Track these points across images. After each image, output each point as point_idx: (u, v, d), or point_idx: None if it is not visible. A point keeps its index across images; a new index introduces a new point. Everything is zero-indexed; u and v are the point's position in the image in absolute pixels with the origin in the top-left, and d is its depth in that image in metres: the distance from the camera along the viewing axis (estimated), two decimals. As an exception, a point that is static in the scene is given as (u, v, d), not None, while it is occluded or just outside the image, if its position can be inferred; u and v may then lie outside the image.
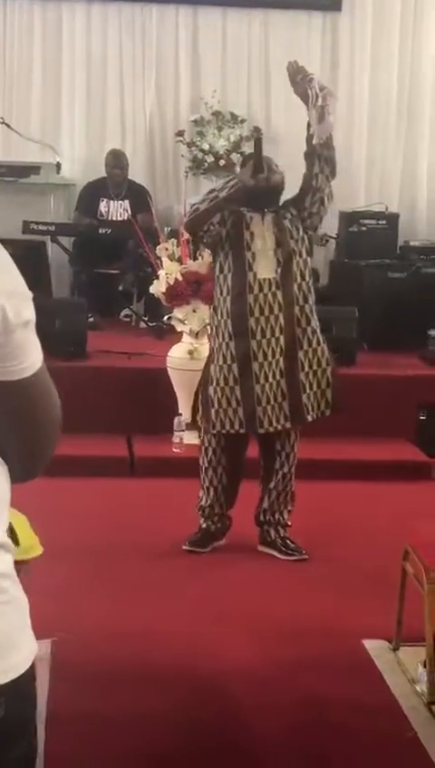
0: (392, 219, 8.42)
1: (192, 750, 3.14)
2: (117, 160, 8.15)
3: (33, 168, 8.21)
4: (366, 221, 8.30)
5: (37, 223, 7.65)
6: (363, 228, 8.28)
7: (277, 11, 8.68)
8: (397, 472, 5.95)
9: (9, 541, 1.53)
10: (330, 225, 8.44)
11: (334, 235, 8.42)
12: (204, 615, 4.04)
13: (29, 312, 1.45)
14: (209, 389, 4.59)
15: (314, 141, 4.53)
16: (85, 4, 8.60)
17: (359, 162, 8.87)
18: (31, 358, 1.46)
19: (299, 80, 4.56)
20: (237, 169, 4.92)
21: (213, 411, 4.57)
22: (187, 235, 5.36)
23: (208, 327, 5.08)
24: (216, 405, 4.56)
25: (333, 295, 7.94)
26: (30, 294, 1.47)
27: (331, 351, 4.67)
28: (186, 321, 5.96)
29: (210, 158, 8.41)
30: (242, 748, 3.16)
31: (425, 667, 3.39)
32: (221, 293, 4.57)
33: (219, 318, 4.57)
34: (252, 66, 8.73)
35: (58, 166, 8.33)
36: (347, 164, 8.77)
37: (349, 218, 8.33)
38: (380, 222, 8.33)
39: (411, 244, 8.44)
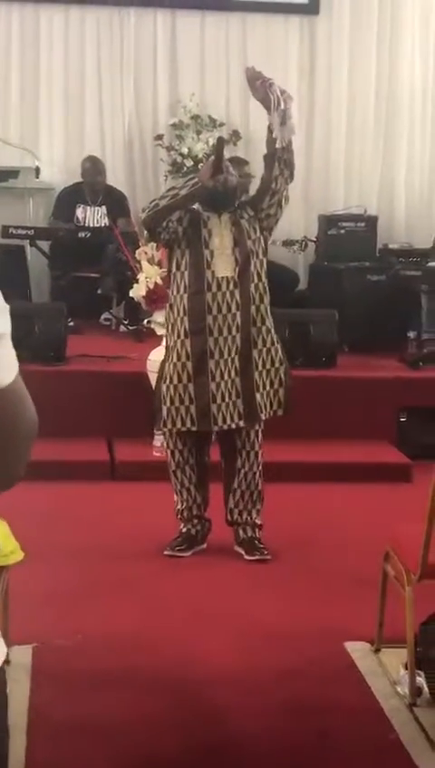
0: (371, 222, 8.45)
1: (177, 755, 3.14)
2: (94, 167, 8.13)
3: (11, 173, 8.19)
4: (345, 224, 8.32)
5: (16, 227, 7.63)
6: (342, 231, 8.30)
7: (255, 14, 8.69)
8: (378, 474, 5.96)
9: None
10: (309, 229, 8.49)
11: (314, 239, 8.43)
12: (186, 619, 4.03)
13: (4, 324, 1.44)
14: (162, 387, 4.61)
15: (277, 145, 4.55)
16: (63, 8, 8.58)
17: (337, 165, 8.89)
18: (2, 372, 1.44)
19: (258, 85, 4.58)
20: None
21: (165, 409, 4.59)
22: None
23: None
24: (168, 402, 4.57)
25: (312, 298, 7.99)
26: (7, 307, 1.46)
27: (284, 351, 4.67)
28: (165, 325, 5.94)
29: (189, 162, 8.41)
30: (226, 752, 3.16)
31: (406, 668, 3.39)
32: (178, 291, 4.58)
33: (175, 315, 4.59)
34: (230, 70, 8.72)
35: (37, 170, 8.30)
36: (325, 167, 8.85)
37: (328, 221, 8.36)
38: (359, 225, 8.36)
39: (390, 246, 8.47)
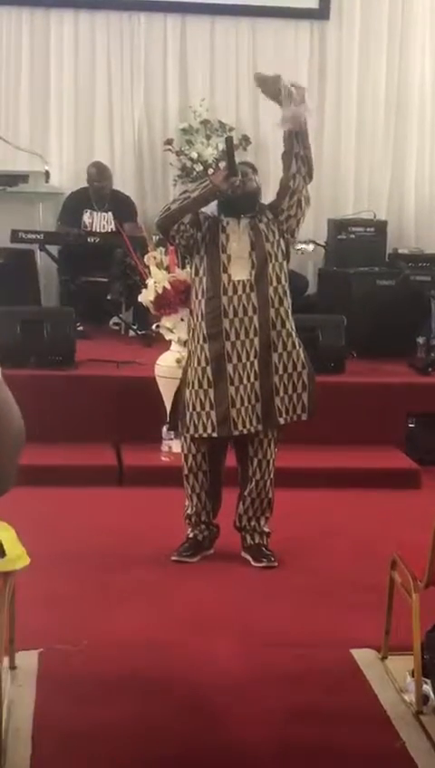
0: (381, 227, 8.45)
1: (182, 761, 3.13)
2: (100, 173, 8.12)
3: (21, 177, 8.21)
4: (355, 229, 8.33)
5: (26, 231, 7.64)
6: (352, 236, 8.31)
7: (265, 19, 8.68)
8: (386, 480, 5.94)
9: None
10: (319, 233, 8.48)
11: (323, 243, 8.43)
12: (192, 625, 4.02)
13: None
14: (186, 393, 4.60)
15: (283, 126, 4.51)
16: (73, 13, 8.59)
17: (347, 170, 8.89)
18: None
19: (270, 83, 4.57)
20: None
21: (187, 414, 4.58)
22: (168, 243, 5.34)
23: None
24: (190, 408, 4.57)
25: (321, 303, 7.98)
26: None
27: (307, 355, 4.65)
28: (174, 330, 5.95)
29: (199, 167, 8.41)
30: (231, 759, 3.15)
31: (413, 676, 3.38)
32: (197, 296, 4.58)
33: (195, 320, 4.59)
34: (240, 74, 8.73)
35: (47, 174, 8.32)
36: (335, 172, 8.85)
37: (337, 226, 8.36)
38: (368, 230, 8.35)
39: (400, 251, 8.45)
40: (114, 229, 7.81)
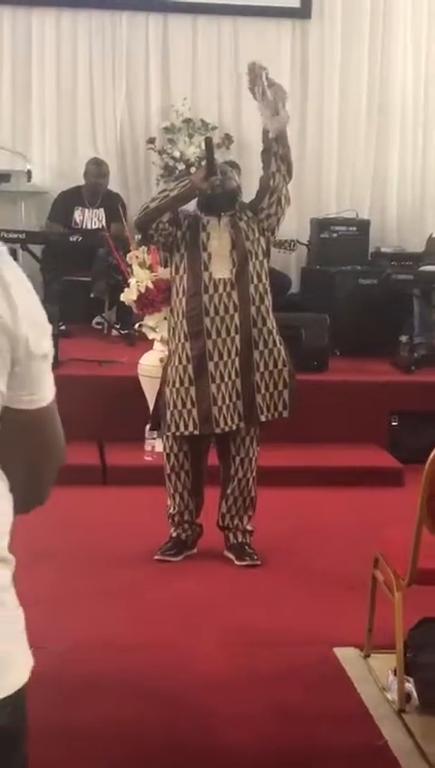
0: (363, 226, 8.47)
1: (165, 762, 3.12)
2: (99, 169, 8.13)
3: (3, 176, 8.18)
4: (337, 228, 8.35)
5: (8, 231, 7.61)
6: (335, 235, 8.33)
7: (247, 18, 8.69)
8: (369, 478, 5.96)
9: (10, 555, 1.55)
10: (302, 233, 8.49)
11: (306, 242, 8.44)
12: (175, 624, 4.02)
13: (48, 346, 1.49)
14: (166, 391, 4.60)
15: (269, 135, 4.53)
16: (55, 12, 8.58)
17: (330, 169, 8.90)
18: (42, 391, 1.50)
19: (256, 79, 4.56)
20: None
21: (168, 413, 4.58)
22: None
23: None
24: (171, 406, 4.57)
25: (304, 302, 7.99)
26: (50, 328, 1.51)
27: (288, 353, 4.65)
28: (157, 329, 5.94)
29: (182, 166, 8.41)
30: (215, 758, 3.15)
31: (395, 674, 3.39)
32: (177, 294, 4.58)
33: (176, 319, 4.59)
34: (222, 73, 8.73)
35: (29, 173, 8.29)
36: (318, 171, 8.86)
37: (320, 225, 8.37)
38: (351, 228, 8.37)
39: (383, 250, 8.49)
40: (104, 225, 7.82)
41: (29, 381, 1.47)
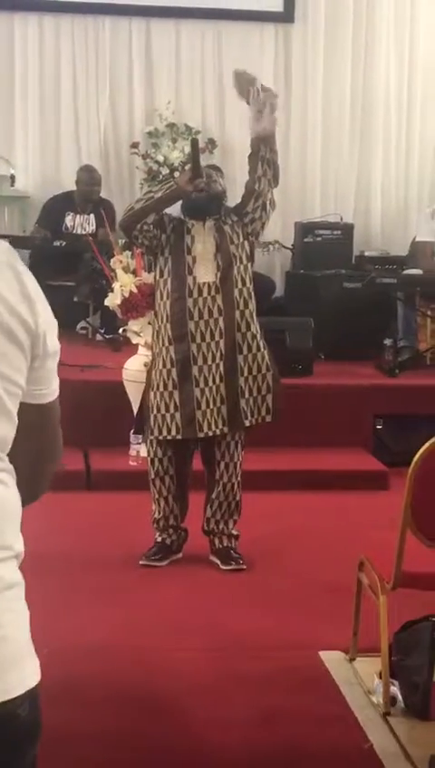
0: (347, 229, 8.48)
1: (149, 766, 3.11)
2: (90, 177, 8.13)
3: (-14, 181, 8.19)
4: (321, 231, 8.36)
5: (-8, 235, 7.61)
6: (319, 239, 8.33)
7: (230, 22, 8.70)
8: (354, 482, 5.96)
9: (22, 552, 1.63)
10: (286, 236, 8.50)
11: (290, 246, 8.45)
12: (160, 629, 4.01)
13: (57, 343, 1.59)
14: (150, 395, 4.59)
15: (253, 135, 4.53)
16: (37, 16, 8.57)
17: (313, 173, 8.92)
18: (53, 385, 1.61)
19: (245, 83, 4.56)
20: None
21: (152, 417, 4.57)
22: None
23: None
24: (155, 410, 4.56)
25: (289, 306, 8.00)
26: (55, 323, 1.60)
27: (272, 358, 4.65)
28: (141, 334, 5.94)
29: (165, 170, 8.41)
30: (199, 763, 3.14)
31: (381, 678, 3.39)
32: (161, 298, 4.57)
33: (160, 323, 4.58)
34: (206, 78, 8.74)
35: (12, 178, 8.31)
36: (302, 175, 8.87)
37: (304, 229, 8.38)
38: (335, 232, 8.38)
39: (367, 254, 8.50)
40: (94, 230, 7.82)
41: (44, 377, 1.57)
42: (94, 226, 7.98)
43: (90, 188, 8.11)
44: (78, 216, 8.10)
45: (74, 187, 8.19)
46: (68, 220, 8.09)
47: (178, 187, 4.51)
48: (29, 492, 1.64)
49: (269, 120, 4.52)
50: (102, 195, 8.41)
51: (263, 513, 5.18)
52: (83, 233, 7.99)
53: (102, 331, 7.59)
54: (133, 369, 6.00)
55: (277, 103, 4.58)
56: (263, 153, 4.55)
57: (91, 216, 8.06)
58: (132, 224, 4.53)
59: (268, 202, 4.60)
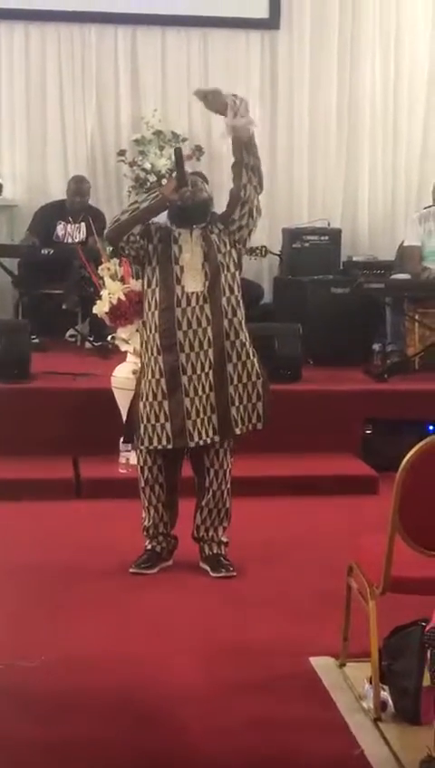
0: (335, 235, 8.50)
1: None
2: (79, 187, 8.15)
3: (-27, 190, 8.19)
4: (309, 237, 8.38)
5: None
6: (306, 244, 8.35)
7: (216, 29, 8.73)
8: (344, 486, 5.97)
9: None
10: (273, 242, 8.51)
11: (278, 252, 8.46)
12: (151, 637, 4.01)
13: None
14: (139, 405, 4.59)
15: (234, 135, 4.50)
16: (23, 25, 8.58)
17: (301, 179, 8.94)
18: None
19: (210, 98, 4.56)
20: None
21: (142, 427, 4.56)
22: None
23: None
24: (144, 420, 4.55)
25: (277, 311, 8.01)
26: None
27: (262, 365, 4.65)
28: (130, 341, 5.94)
29: (153, 178, 8.42)
30: (190, 771, 3.14)
31: (371, 683, 3.39)
32: (150, 308, 4.57)
33: (148, 333, 4.57)
34: (192, 85, 8.69)
35: (-1, 187, 8.32)
36: (289, 181, 8.90)
37: (292, 235, 8.40)
38: (322, 238, 8.41)
39: (354, 259, 8.53)
40: (85, 239, 7.83)
41: None
42: (85, 235, 7.98)
43: (74, 198, 8.13)
44: (69, 225, 8.11)
45: (65, 196, 8.20)
46: (59, 229, 8.10)
47: (163, 197, 4.51)
48: None
49: (248, 119, 4.49)
50: (90, 202, 8.42)
51: (253, 519, 5.18)
52: (73, 241, 8.00)
53: (91, 339, 7.59)
54: (122, 376, 6.00)
55: (248, 107, 4.56)
56: (247, 161, 4.55)
57: (82, 224, 8.08)
58: (118, 235, 4.53)
59: (254, 209, 4.60)
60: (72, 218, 8.12)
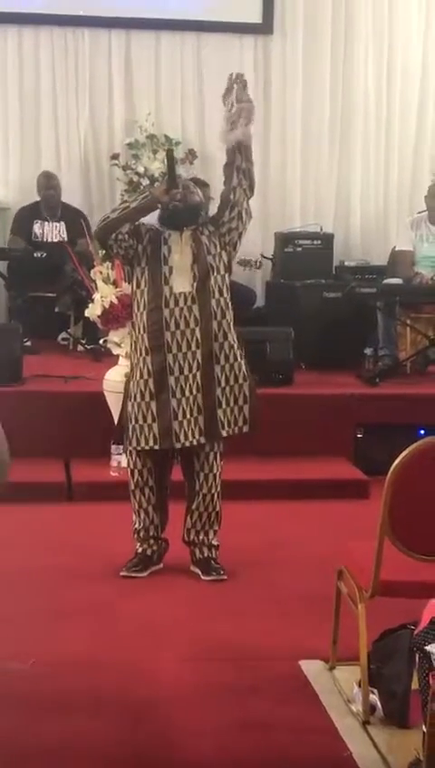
0: (327, 239, 8.52)
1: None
2: (48, 181, 8.18)
3: (-34, 194, 8.20)
4: (301, 241, 8.39)
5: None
6: (299, 249, 8.37)
7: (209, 34, 8.75)
8: (335, 491, 5.97)
9: None
10: (266, 247, 8.53)
11: (270, 256, 8.48)
12: (141, 640, 4.01)
13: None
14: (128, 405, 4.60)
15: (225, 144, 4.55)
16: (17, 28, 8.59)
17: (293, 183, 8.96)
18: None
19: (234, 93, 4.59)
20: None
21: (130, 427, 4.57)
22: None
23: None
24: (132, 420, 4.56)
25: (269, 316, 8.02)
26: None
27: (248, 367, 4.66)
28: (122, 344, 5.95)
29: (146, 181, 8.43)
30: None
31: (360, 686, 3.40)
32: (138, 308, 4.58)
33: (137, 333, 4.59)
34: (185, 89, 8.78)
35: (-9, 190, 8.33)
36: (282, 185, 8.91)
37: (284, 239, 8.41)
38: (315, 242, 8.42)
39: (347, 263, 8.54)
40: (65, 239, 7.83)
41: None
42: (66, 235, 7.98)
43: (47, 192, 8.14)
44: (47, 223, 8.12)
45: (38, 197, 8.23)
46: (36, 228, 8.12)
47: (153, 198, 4.52)
48: None
49: (243, 131, 4.53)
50: (83, 206, 8.44)
51: (244, 522, 5.19)
52: (54, 240, 8.00)
53: (83, 342, 7.60)
54: (114, 379, 6.00)
55: (253, 115, 4.58)
56: (238, 163, 4.56)
57: (62, 223, 8.09)
58: (107, 233, 4.54)
59: (244, 211, 4.61)
60: (49, 216, 8.13)
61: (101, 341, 6.44)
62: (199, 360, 4.52)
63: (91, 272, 6.03)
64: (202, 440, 4.56)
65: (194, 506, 4.69)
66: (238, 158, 4.57)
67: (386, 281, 7.56)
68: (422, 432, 6.34)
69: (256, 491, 5.78)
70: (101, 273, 5.95)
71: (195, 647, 3.96)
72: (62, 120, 8.71)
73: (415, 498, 3.32)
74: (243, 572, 4.73)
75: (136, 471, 4.66)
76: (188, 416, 4.52)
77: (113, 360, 6.18)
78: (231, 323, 4.59)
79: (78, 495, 5.83)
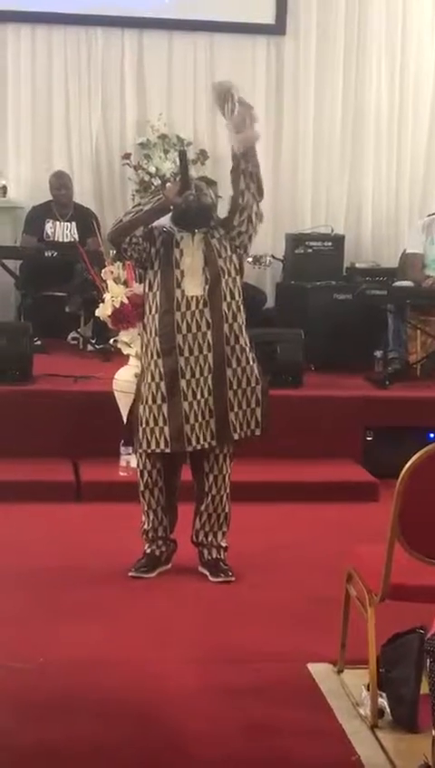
0: (338, 241, 8.51)
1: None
2: (60, 181, 8.19)
3: (-22, 192, 8.20)
4: (312, 243, 8.38)
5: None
6: (309, 250, 8.36)
7: (222, 34, 8.73)
8: (344, 493, 5.96)
9: None
10: (277, 248, 8.52)
11: (281, 258, 8.47)
12: (149, 641, 4.01)
13: None
14: (139, 408, 4.59)
15: (234, 151, 4.54)
16: (30, 27, 8.59)
17: (305, 185, 8.94)
18: None
19: (222, 97, 4.58)
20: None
21: (141, 430, 4.57)
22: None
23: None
24: (144, 423, 4.56)
25: (279, 317, 8.01)
26: None
27: (261, 371, 4.65)
28: (132, 344, 5.94)
29: (157, 181, 8.43)
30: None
31: (368, 690, 3.39)
32: (150, 311, 4.57)
33: (148, 336, 4.58)
34: (198, 89, 8.76)
35: (4, 189, 8.33)
36: (293, 186, 8.91)
37: (295, 240, 8.40)
38: (326, 244, 8.41)
39: (357, 265, 8.53)
40: (76, 239, 7.83)
41: None
42: (77, 234, 7.99)
43: (58, 192, 8.14)
44: (58, 223, 8.12)
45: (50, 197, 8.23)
46: (48, 227, 8.12)
47: (166, 200, 4.52)
48: None
49: (248, 134, 4.52)
50: (94, 205, 8.44)
51: (252, 524, 5.18)
52: (65, 240, 8.01)
53: (93, 342, 7.59)
54: (123, 379, 6.00)
55: (255, 115, 4.57)
56: (244, 167, 4.55)
57: (73, 223, 8.09)
58: (121, 237, 4.54)
59: (254, 215, 4.60)
60: (60, 216, 8.13)
61: (110, 341, 6.44)
62: (211, 364, 4.51)
63: (102, 272, 6.02)
64: (213, 443, 4.55)
65: (203, 507, 4.69)
66: (244, 163, 4.55)
67: (396, 283, 7.54)
68: (432, 436, 6.33)
69: (265, 492, 5.77)
70: (111, 272, 5.94)
71: (202, 648, 3.96)
72: (75, 119, 8.70)
73: (425, 502, 3.31)
74: (251, 575, 4.72)
75: (146, 472, 4.65)
76: (200, 419, 4.52)
77: (123, 359, 6.17)
78: (243, 326, 4.59)
79: (87, 495, 5.83)
